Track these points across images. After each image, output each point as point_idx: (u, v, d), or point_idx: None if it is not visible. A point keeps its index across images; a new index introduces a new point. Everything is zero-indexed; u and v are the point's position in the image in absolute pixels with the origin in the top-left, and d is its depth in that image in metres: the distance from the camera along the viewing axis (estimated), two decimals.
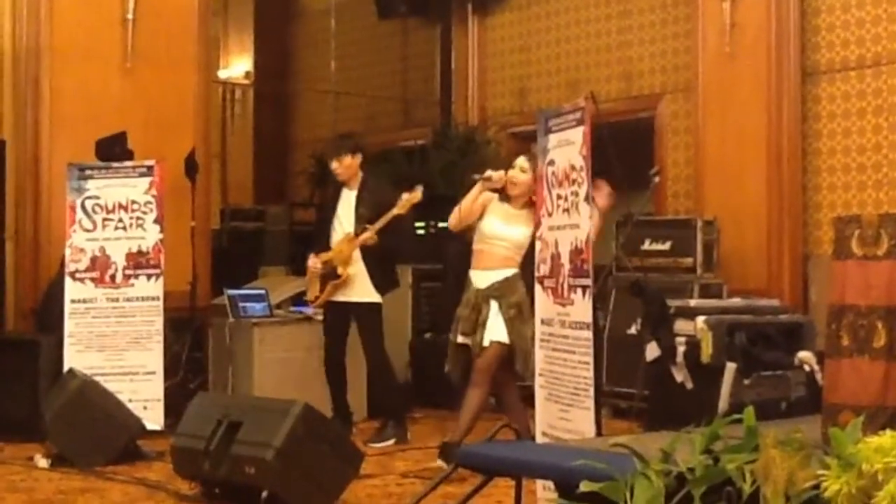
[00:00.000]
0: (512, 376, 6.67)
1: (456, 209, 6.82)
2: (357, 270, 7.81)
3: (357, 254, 7.79)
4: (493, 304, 6.56)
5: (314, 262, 7.93)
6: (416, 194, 7.62)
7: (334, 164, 7.96)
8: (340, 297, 7.86)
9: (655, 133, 10.01)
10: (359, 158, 7.94)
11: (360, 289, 7.82)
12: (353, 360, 8.27)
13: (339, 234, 7.90)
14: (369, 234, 7.71)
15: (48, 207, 8.72)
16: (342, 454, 5.93)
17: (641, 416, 7.27)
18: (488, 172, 6.75)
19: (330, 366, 8.00)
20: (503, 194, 6.71)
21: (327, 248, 7.92)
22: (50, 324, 8.21)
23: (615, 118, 9.23)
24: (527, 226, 6.55)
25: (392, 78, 12.91)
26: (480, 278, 6.69)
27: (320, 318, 8.49)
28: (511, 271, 6.60)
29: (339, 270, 7.81)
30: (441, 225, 9.60)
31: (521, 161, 6.72)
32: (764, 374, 6.48)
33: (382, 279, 7.87)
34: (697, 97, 9.39)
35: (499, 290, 6.58)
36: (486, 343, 6.57)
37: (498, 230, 6.68)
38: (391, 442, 7.72)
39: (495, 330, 6.55)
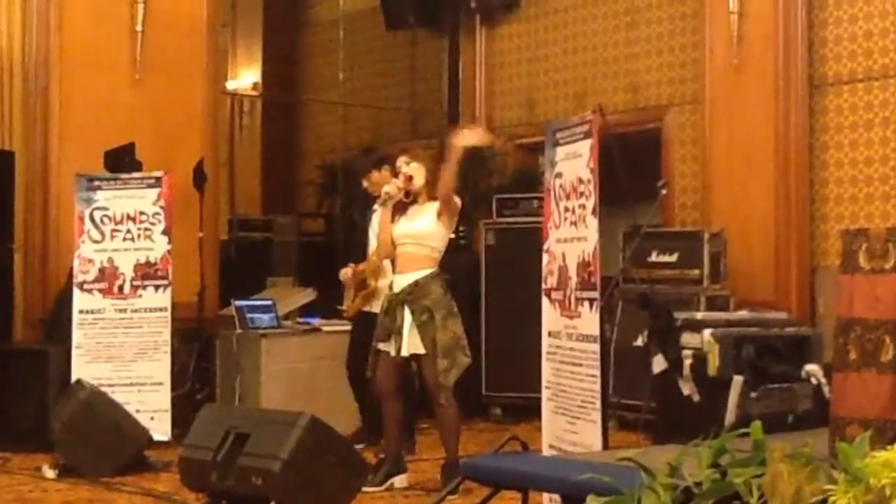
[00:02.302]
0: (403, 389, 6.62)
1: (378, 245, 6.81)
2: (387, 282, 7.79)
3: (388, 265, 7.78)
4: (407, 312, 6.37)
5: (345, 272, 7.94)
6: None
7: (364, 183, 7.94)
8: (371, 309, 7.83)
9: (662, 145, 10.01)
10: (386, 171, 7.94)
11: None
12: None
13: (373, 246, 7.90)
14: None
15: (57, 218, 8.75)
16: (349, 465, 5.93)
17: (648, 428, 7.26)
18: (384, 190, 6.70)
19: (351, 377, 7.98)
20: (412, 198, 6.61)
21: (364, 258, 7.91)
22: (58, 334, 8.23)
23: (622, 130, 9.24)
24: (430, 215, 6.46)
25: (400, 89, 12.92)
26: (397, 282, 6.55)
27: (328, 329, 8.56)
28: (424, 272, 6.43)
29: (369, 281, 7.80)
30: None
31: (401, 160, 6.68)
32: (771, 386, 6.46)
33: None
34: (705, 109, 9.39)
35: (411, 295, 6.40)
36: (405, 353, 6.42)
37: (402, 228, 6.54)
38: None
39: (414, 342, 6.38)
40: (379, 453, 7.02)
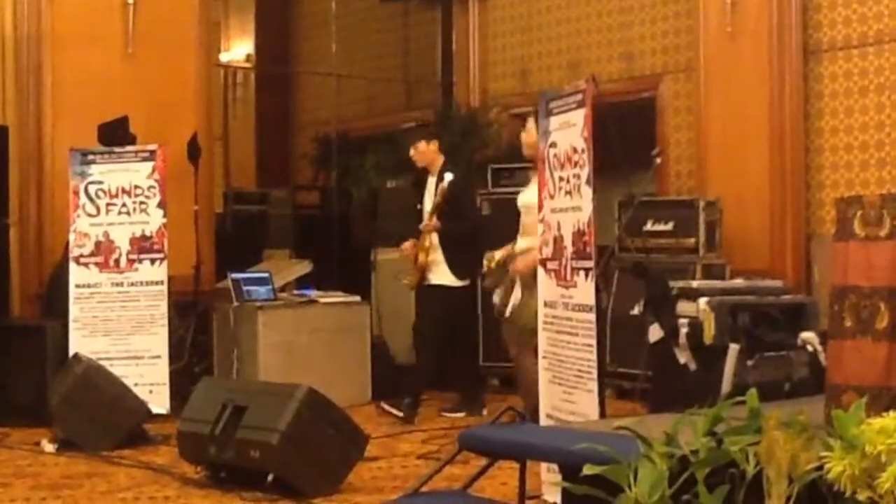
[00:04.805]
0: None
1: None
2: (437, 256, 8.13)
3: (435, 240, 8.10)
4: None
5: (405, 247, 8.29)
6: (444, 184, 8.04)
7: (411, 152, 8.29)
8: (428, 280, 8.20)
9: (657, 113, 9.99)
10: (434, 144, 8.27)
11: (439, 272, 8.14)
12: (353, 343, 8.40)
13: (426, 213, 8.24)
14: (425, 223, 8.12)
15: (52, 193, 8.75)
16: (347, 437, 5.96)
17: (645, 396, 7.28)
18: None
19: (416, 344, 8.35)
20: None
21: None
22: (55, 309, 8.24)
23: (616, 98, 9.23)
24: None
25: (393, 60, 12.89)
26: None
27: (325, 301, 8.68)
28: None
29: (419, 256, 8.13)
30: None
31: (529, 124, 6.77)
32: (767, 354, 6.47)
33: (456, 263, 8.11)
34: (699, 77, 9.37)
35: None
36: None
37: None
38: (400, 414, 7.87)
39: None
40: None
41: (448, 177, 8.03)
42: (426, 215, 8.16)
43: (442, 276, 8.13)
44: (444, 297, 8.14)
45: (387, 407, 7.98)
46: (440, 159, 8.24)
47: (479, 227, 8.50)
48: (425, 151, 8.23)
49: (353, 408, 7.57)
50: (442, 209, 8.03)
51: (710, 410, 3.47)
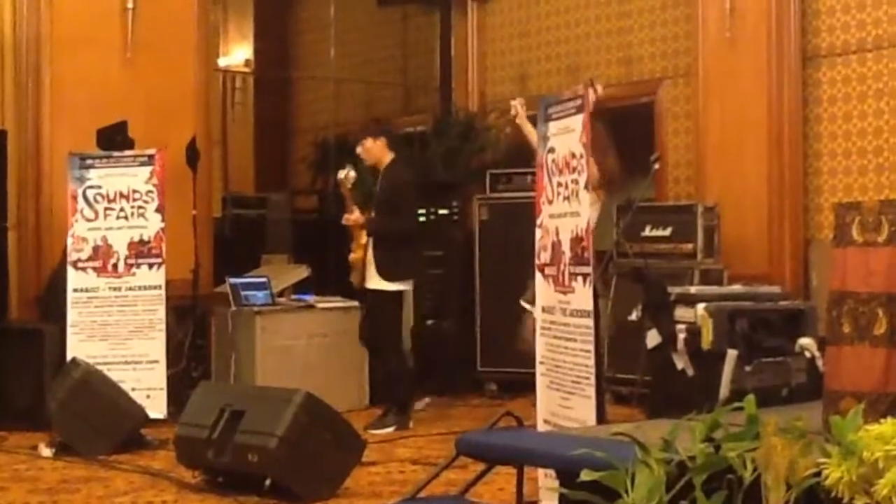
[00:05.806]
0: None
1: None
2: (369, 255, 7.95)
3: (370, 241, 7.95)
4: None
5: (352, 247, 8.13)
6: (343, 174, 8.03)
7: (358, 149, 8.13)
8: (367, 284, 8.02)
9: (655, 118, 9.99)
10: (380, 141, 8.07)
11: (370, 275, 7.96)
12: (351, 348, 8.40)
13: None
14: (346, 216, 8.02)
15: (50, 197, 8.74)
16: (345, 442, 5.96)
17: (643, 402, 7.28)
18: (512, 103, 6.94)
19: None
20: None
21: None
22: (53, 313, 8.23)
23: (615, 103, 9.22)
24: None
25: (392, 64, 12.89)
26: None
27: (323, 306, 8.70)
28: None
29: (356, 254, 8.00)
30: (441, 212, 9.63)
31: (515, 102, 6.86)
32: (765, 360, 6.47)
33: (386, 266, 7.92)
34: (698, 82, 9.37)
35: None
36: None
37: None
38: (391, 429, 7.77)
39: None
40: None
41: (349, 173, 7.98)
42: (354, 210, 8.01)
43: (372, 278, 7.94)
44: (376, 300, 8.00)
45: (374, 431, 7.67)
46: (388, 156, 8.05)
47: (415, 229, 8.27)
48: (371, 148, 8.02)
49: (350, 412, 7.57)
50: (379, 206, 7.92)
51: (708, 416, 3.47)
